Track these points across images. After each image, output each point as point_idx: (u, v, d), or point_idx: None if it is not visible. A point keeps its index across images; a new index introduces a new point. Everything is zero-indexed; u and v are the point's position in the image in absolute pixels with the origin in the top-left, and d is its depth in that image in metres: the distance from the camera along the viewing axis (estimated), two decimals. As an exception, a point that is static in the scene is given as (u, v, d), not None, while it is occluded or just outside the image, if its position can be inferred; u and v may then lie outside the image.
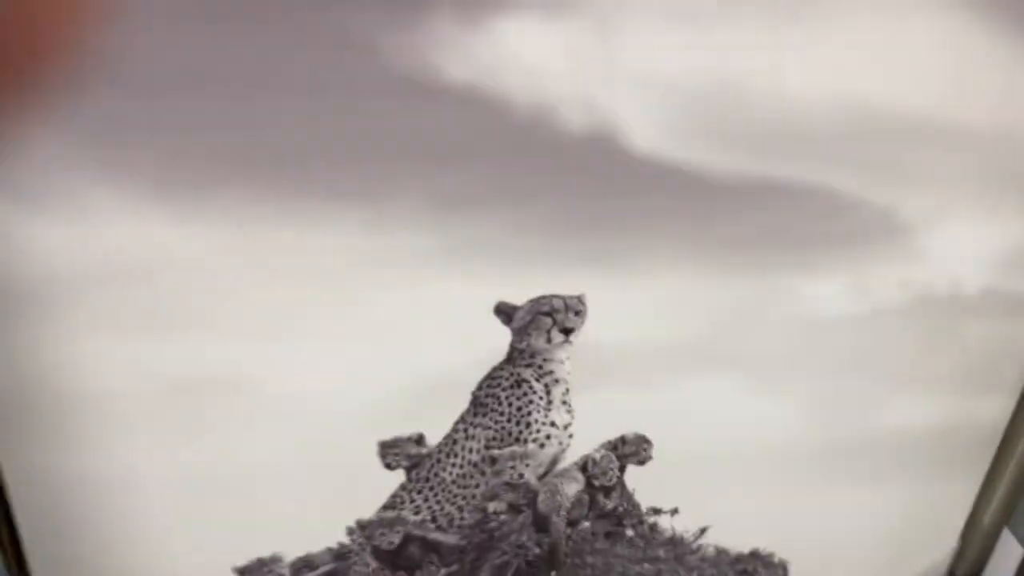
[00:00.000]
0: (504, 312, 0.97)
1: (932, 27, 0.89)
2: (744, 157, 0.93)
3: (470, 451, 1.06)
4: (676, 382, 1.07)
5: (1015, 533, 1.26)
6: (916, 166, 0.97)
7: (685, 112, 0.89)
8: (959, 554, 1.35)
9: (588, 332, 1.01)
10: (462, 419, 1.04)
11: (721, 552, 1.23)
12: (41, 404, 0.94)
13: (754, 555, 1.24)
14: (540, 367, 1.02)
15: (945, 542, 1.30)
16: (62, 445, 0.96)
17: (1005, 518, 1.29)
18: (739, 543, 1.23)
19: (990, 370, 1.14)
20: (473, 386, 1.02)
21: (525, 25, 0.82)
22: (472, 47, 0.82)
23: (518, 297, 0.97)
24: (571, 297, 0.98)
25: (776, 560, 1.26)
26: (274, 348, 0.95)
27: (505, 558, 1.15)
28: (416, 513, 1.09)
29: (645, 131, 0.89)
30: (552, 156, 0.89)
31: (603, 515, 1.15)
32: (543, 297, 0.98)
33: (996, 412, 1.18)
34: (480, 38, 0.82)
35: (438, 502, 1.09)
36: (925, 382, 1.13)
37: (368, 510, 1.09)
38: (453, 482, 1.08)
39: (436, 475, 1.07)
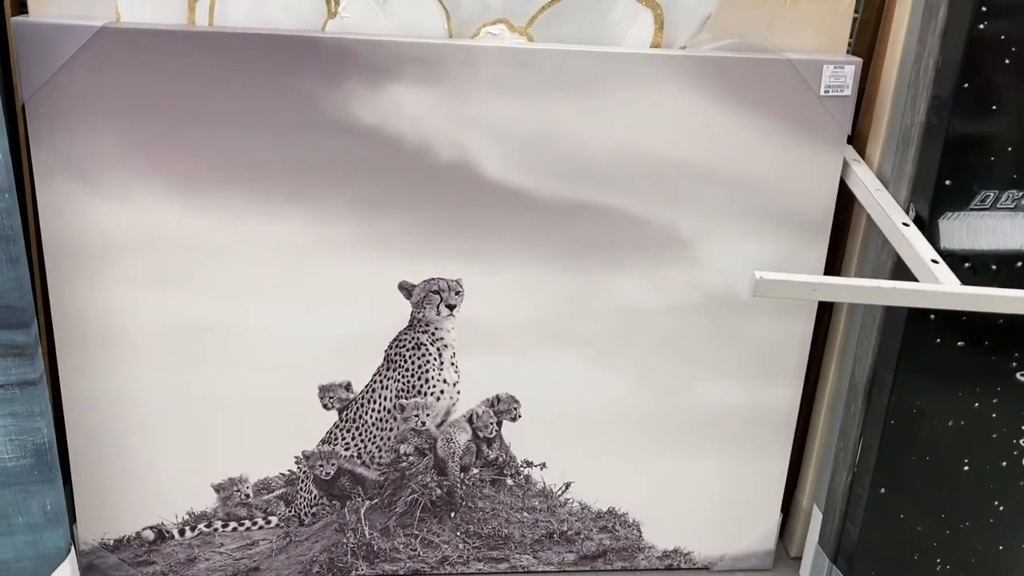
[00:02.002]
0: (405, 288, 1.43)
1: (684, 100, 1.38)
2: (562, 185, 1.40)
3: (384, 399, 1.49)
4: (535, 353, 1.49)
5: (819, 504, 1.62)
6: (686, 196, 1.43)
7: (518, 151, 1.37)
8: (788, 532, 1.70)
9: (466, 309, 1.45)
10: (378, 372, 1.47)
11: (585, 507, 1.60)
12: (91, 337, 1.40)
13: (612, 513, 1.61)
14: (433, 334, 1.46)
15: (770, 514, 1.66)
16: (99, 370, 1.41)
17: (815, 496, 1.65)
18: (599, 500, 1.60)
19: (774, 361, 1.55)
20: (386, 345, 1.46)
21: (408, 89, 1.32)
22: (376, 102, 1.32)
23: (415, 277, 1.43)
24: (453, 280, 1.43)
25: (631, 520, 1.62)
26: (248, 305, 1.41)
27: (415, 495, 1.55)
28: (346, 449, 1.50)
29: (492, 163, 1.37)
30: (432, 177, 1.37)
31: (488, 464, 1.55)
32: (433, 279, 1.43)
33: (786, 399, 1.57)
34: (381, 96, 1.32)
35: (363, 441, 1.50)
36: (721, 368, 1.54)
37: (311, 443, 1.50)
38: (373, 424, 1.50)
39: (360, 417, 1.49)
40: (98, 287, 1.37)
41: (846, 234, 1.53)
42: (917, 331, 1.37)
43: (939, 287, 1.20)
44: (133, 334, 1.40)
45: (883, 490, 1.48)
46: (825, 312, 1.58)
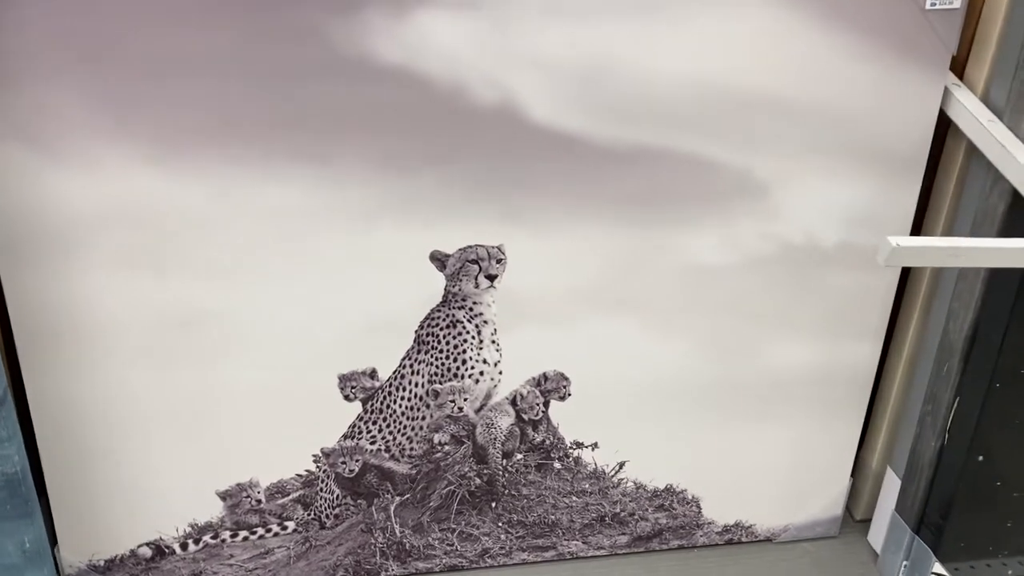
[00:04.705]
0: (438, 259, 1.20)
1: (768, 19, 1.14)
2: (621, 127, 1.17)
3: (416, 385, 1.27)
4: (587, 323, 1.28)
5: (895, 470, 1.46)
6: (763, 135, 1.21)
7: (571, 89, 1.13)
8: (853, 494, 1.55)
9: (509, 279, 1.23)
10: (407, 355, 1.25)
11: (640, 487, 1.42)
12: (60, 334, 1.15)
13: (669, 491, 1.44)
14: (471, 309, 1.24)
15: (838, 480, 1.50)
16: (74, 371, 1.17)
17: (888, 459, 1.49)
18: (655, 478, 1.42)
19: (853, 318, 1.36)
20: (416, 325, 1.24)
21: (439, 17, 1.07)
22: (400, 35, 1.06)
23: (448, 246, 1.20)
24: (492, 247, 1.21)
25: (690, 496, 1.45)
26: (249, 287, 1.17)
27: (451, 488, 1.35)
28: (372, 443, 1.30)
29: (540, 105, 1.13)
30: (468, 125, 1.12)
31: (533, 448, 1.35)
32: (470, 247, 1.20)
33: (864, 358, 1.39)
34: (406, 28, 1.06)
35: (391, 432, 1.30)
36: (795, 327, 1.35)
37: (331, 440, 1.29)
38: (403, 414, 1.29)
39: (388, 407, 1.28)
40: (64, 275, 1.12)
41: (934, 172, 1.32)
42: (1038, 286, 1.19)
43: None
44: (109, 328, 1.16)
45: (981, 458, 1.32)
46: (908, 257, 1.39)
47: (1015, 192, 1.15)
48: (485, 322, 1.25)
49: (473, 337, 1.25)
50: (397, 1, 1.04)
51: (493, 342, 1.26)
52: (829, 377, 1.40)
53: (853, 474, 1.51)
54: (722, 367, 1.36)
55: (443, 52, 1.08)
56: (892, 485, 1.47)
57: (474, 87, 1.11)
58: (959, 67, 1.26)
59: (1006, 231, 1.21)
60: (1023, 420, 1.28)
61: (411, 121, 1.11)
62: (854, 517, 1.58)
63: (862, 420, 1.46)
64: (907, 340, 1.41)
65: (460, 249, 1.20)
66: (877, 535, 1.51)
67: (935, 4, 1.17)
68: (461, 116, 1.12)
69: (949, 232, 1.29)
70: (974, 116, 1.19)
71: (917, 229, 1.34)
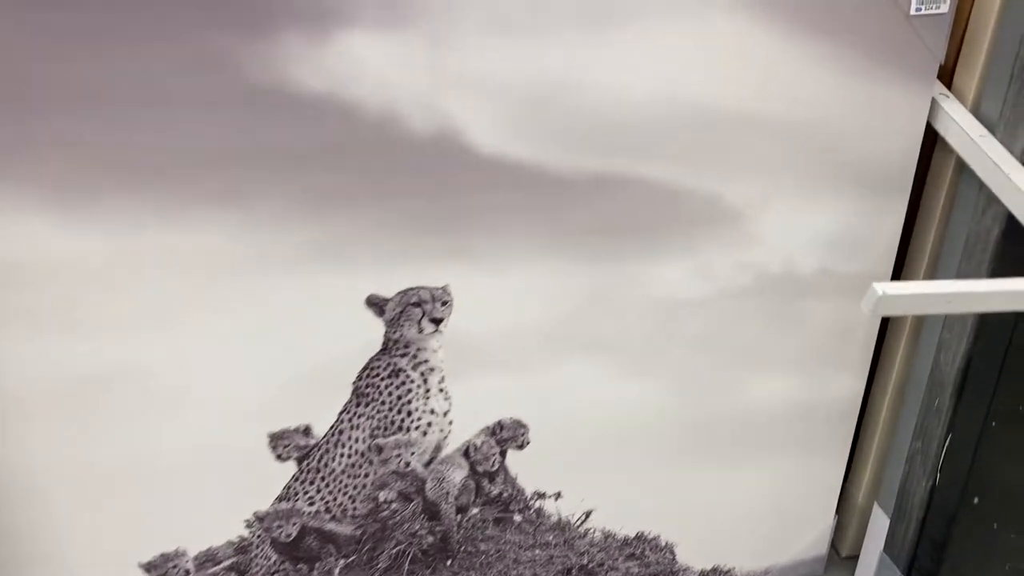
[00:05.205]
0: (375, 304, 1.07)
1: (740, 32, 1.02)
2: (580, 154, 1.04)
3: (356, 440, 1.15)
4: (546, 365, 1.16)
5: (883, 507, 1.35)
6: (737, 157, 1.09)
7: (520, 114, 1.01)
8: (838, 529, 1.45)
9: (457, 322, 1.11)
10: (346, 409, 1.13)
11: (608, 536, 1.31)
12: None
13: (640, 538, 1.33)
14: (415, 356, 1.12)
15: (822, 518, 1.39)
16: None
17: (874, 494, 1.38)
18: (625, 526, 1.31)
19: (836, 349, 1.25)
20: (353, 377, 1.11)
21: (368, 39, 0.94)
22: (323, 61, 0.93)
23: (388, 289, 1.07)
24: (436, 288, 1.08)
25: (663, 543, 1.34)
26: (166, 343, 1.04)
27: (400, 547, 1.23)
28: (310, 504, 1.17)
29: (486, 132, 1.00)
30: (404, 157, 1.00)
31: (490, 501, 1.23)
32: (411, 289, 1.07)
33: (848, 391, 1.29)
34: (328, 52, 0.93)
35: (331, 492, 1.17)
36: (777, 361, 1.24)
37: (264, 502, 1.16)
38: (343, 472, 1.16)
39: (326, 465, 1.15)
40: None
41: (921, 190, 1.21)
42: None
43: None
44: (11, 392, 1.02)
45: (977, 500, 1.21)
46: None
47: (1010, 215, 1.04)
48: (432, 369, 1.13)
49: (418, 386, 1.13)
50: (316, 22, 0.91)
51: (441, 390, 1.14)
52: (811, 412, 1.29)
53: (838, 510, 1.41)
54: (696, 405, 1.24)
55: (372, 77, 0.95)
56: (880, 523, 1.37)
57: (409, 115, 0.98)
58: (947, 76, 1.15)
59: (1001, 257, 1.11)
60: (1021, 457, 1.18)
61: (340, 154, 0.99)
62: (840, 554, 1.47)
63: (846, 457, 1.35)
64: (894, 372, 1.31)
65: (400, 292, 1.07)
66: (865, 574, 1.41)
67: (920, 8, 1.06)
68: (396, 147, 0.99)
69: (937, 258, 1.18)
70: (964, 130, 1.09)
71: (903, 253, 1.23)
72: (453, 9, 0.94)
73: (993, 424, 1.16)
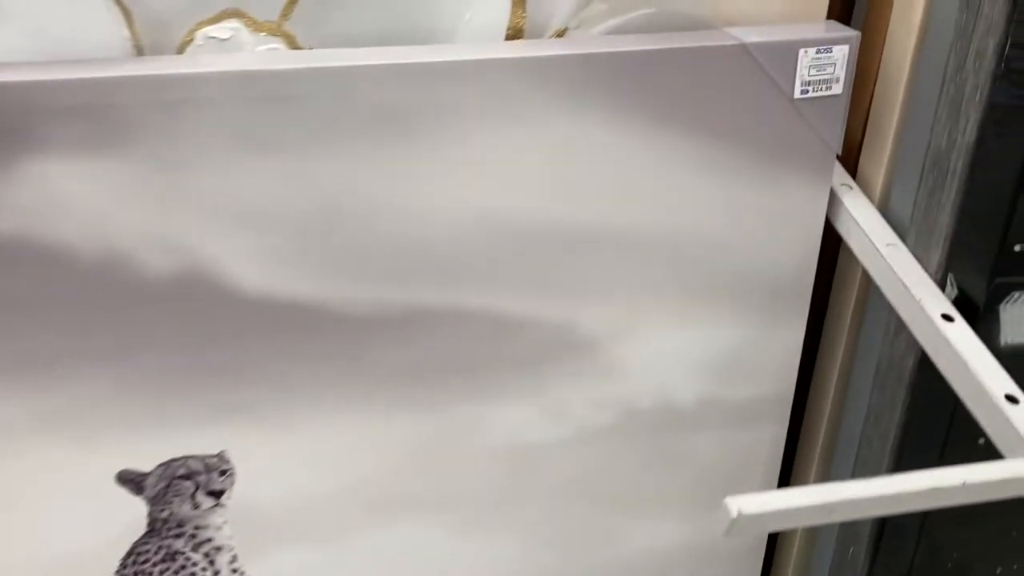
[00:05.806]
0: (131, 481, 0.85)
1: (567, 121, 0.80)
2: (378, 285, 0.82)
3: (132, 637, 0.92)
4: (369, 531, 0.94)
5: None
6: (587, 279, 0.87)
7: (292, 243, 0.79)
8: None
9: (244, 491, 0.88)
10: (112, 603, 0.91)
11: None
12: None
13: None
14: (193, 536, 0.89)
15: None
16: None
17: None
18: None
19: (732, 481, 1.04)
20: (113, 568, 0.89)
21: (69, 164, 0.71)
22: (10, 195, 0.71)
23: (147, 462, 0.85)
24: (211, 456, 0.86)
25: None
26: None
27: None
28: None
29: (243, 267, 0.78)
30: (139, 304, 0.77)
31: None
32: (176, 459, 0.85)
33: (751, 525, 1.08)
34: (15, 182, 0.70)
35: None
36: (658, 503, 1.02)
37: None
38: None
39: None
40: None
41: (826, 300, 1.00)
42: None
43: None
44: None
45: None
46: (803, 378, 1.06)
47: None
48: (218, 549, 0.90)
49: (204, 569, 0.91)
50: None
51: (235, 571, 0.92)
52: (711, 554, 1.08)
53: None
54: (564, 560, 1.03)
55: (79, 212, 0.73)
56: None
57: (139, 254, 0.75)
58: (852, 161, 0.93)
59: (918, 388, 0.90)
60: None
61: (50, 308, 0.76)
62: None
63: (754, 595, 1.14)
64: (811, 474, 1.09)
65: (161, 465, 0.85)
66: None
67: (807, 91, 0.84)
68: (128, 294, 0.77)
69: (847, 384, 0.97)
70: (868, 237, 0.87)
71: (808, 371, 1.02)
72: (182, 119, 0.72)
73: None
